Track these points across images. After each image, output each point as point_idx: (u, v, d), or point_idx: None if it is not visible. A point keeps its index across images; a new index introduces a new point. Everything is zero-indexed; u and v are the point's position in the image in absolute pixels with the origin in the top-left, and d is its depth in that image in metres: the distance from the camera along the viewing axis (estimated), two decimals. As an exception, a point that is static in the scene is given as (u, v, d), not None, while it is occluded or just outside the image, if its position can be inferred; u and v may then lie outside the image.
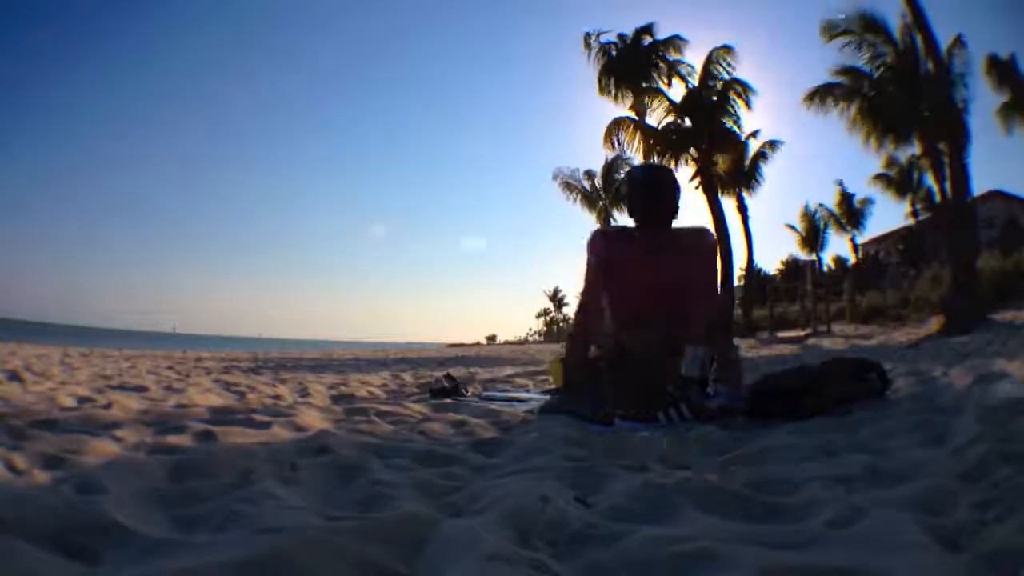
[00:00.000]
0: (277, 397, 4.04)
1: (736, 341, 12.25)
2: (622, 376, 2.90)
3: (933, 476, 1.44)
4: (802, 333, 13.95)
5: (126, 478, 1.53)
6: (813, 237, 28.09)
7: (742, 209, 18.10)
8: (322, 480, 1.61)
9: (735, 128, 13.07)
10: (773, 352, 9.56)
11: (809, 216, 28.07)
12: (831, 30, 11.07)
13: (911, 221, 26.85)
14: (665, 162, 13.33)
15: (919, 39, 10.31)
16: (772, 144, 18.24)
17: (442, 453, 2.01)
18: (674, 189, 2.85)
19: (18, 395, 3.38)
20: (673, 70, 13.84)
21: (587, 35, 15.21)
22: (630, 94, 14.44)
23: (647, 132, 14.08)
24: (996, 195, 26.56)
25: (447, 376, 4.66)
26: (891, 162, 24.01)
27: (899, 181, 25.08)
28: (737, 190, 17.85)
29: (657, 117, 13.89)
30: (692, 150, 12.92)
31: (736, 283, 16.15)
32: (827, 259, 31.50)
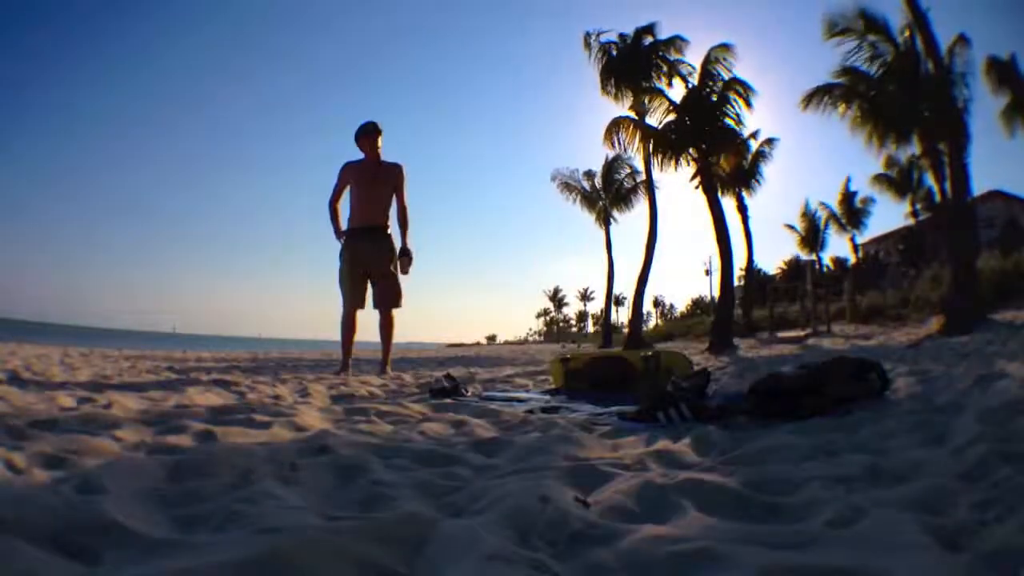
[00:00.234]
0: (277, 397, 4.04)
1: (736, 341, 12.20)
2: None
3: (933, 476, 1.44)
4: (802, 333, 13.95)
5: (126, 478, 1.52)
6: (813, 237, 28.08)
7: (742, 209, 18.12)
8: (322, 480, 1.61)
9: (735, 128, 13.05)
10: (773, 352, 9.56)
11: (809, 215, 28.08)
12: (832, 28, 11.07)
13: (911, 221, 26.87)
14: (665, 162, 13.33)
15: (919, 39, 10.33)
16: (770, 141, 18.25)
17: (442, 453, 2.01)
18: (377, 135, 6.03)
19: (18, 395, 3.38)
20: (674, 70, 13.81)
21: (587, 34, 15.19)
22: (630, 94, 14.44)
23: (647, 132, 14.07)
24: (996, 195, 26.56)
25: (447, 376, 4.66)
26: (891, 162, 24.02)
27: (899, 181, 25.09)
28: (737, 190, 17.86)
29: (657, 117, 13.89)
30: (692, 150, 12.89)
31: (736, 283, 16.11)
32: (827, 259, 31.56)
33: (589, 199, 21.05)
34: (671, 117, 13.44)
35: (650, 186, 15.61)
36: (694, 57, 13.77)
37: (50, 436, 2.08)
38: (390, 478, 1.60)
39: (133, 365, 7.93)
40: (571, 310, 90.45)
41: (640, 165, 16.91)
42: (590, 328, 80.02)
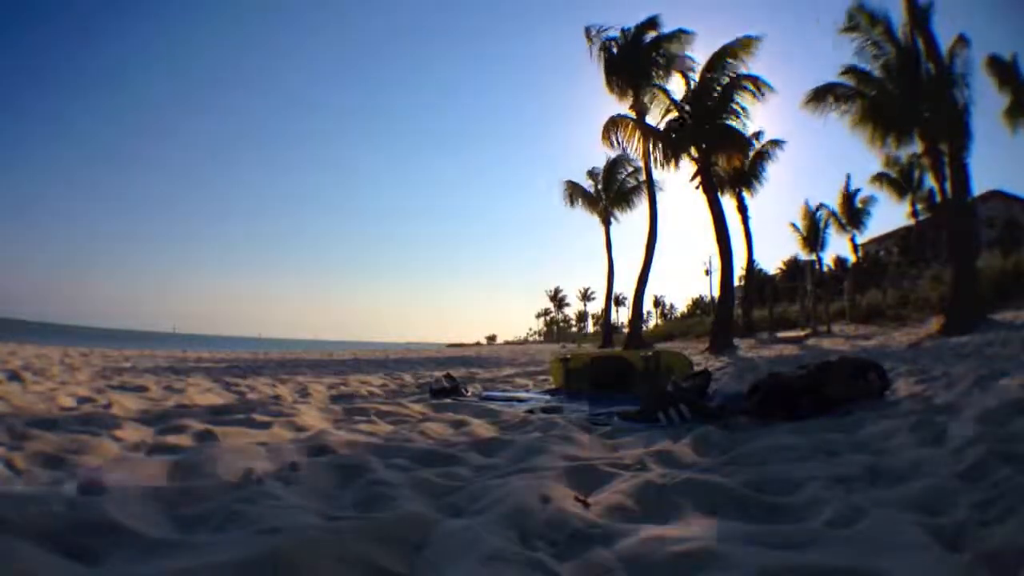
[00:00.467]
0: (277, 397, 4.04)
1: (736, 341, 12.18)
2: None
3: (933, 476, 1.44)
4: (802, 333, 13.95)
5: (126, 478, 1.53)
6: (813, 237, 28.08)
7: (742, 209, 18.10)
8: (322, 480, 1.61)
9: (739, 127, 12.98)
10: (773, 352, 9.56)
11: (810, 215, 28.08)
12: (850, 21, 11.07)
13: (911, 221, 26.86)
14: (665, 161, 13.29)
15: (919, 39, 10.33)
16: (775, 143, 18.22)
17: (442, 453, 2.02)
18: None
19: (18, 395, 3.38)
20: (676, 66, 13.74)
21: (588, 29, 15.09)
22: (631, 91, 14.36)
23: (646, 130, 14.02)
24: (996, 195, 26.56)
25: (447, 376, 4.66)
26: (892, 162, 24.01)
27: (899, 181, 25.08)
28: (737, 190, 17.84)
29: (659, 114, 13.81)
30: (693, 149, 12.86)
31: (736, 283, 16.09)
32: (827, 259, 31.53)
33: (590, 199, 21.04)
34: (672, 115, 13.41)
35: (650, 186, 15.57)
36: (700, 51, 13.69)
37: (50, 436, 2.08)
38: (390, 478, 1.60)
39: (133, 365, 7.94)
40: (571, 310, 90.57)
41: (641, 163, 16.86)
42: (590, 328, 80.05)
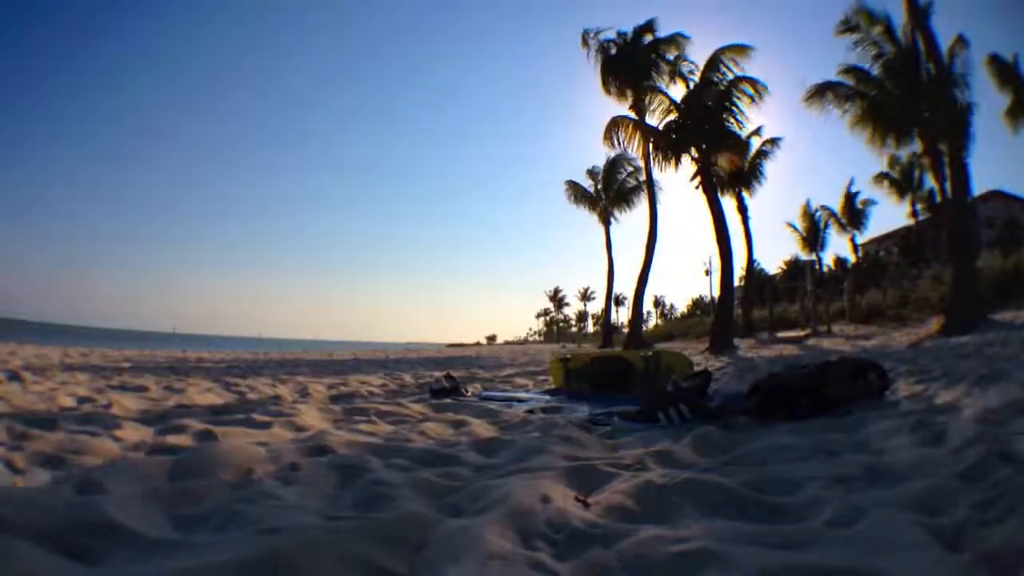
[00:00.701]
0: (277, 397, 4.04)
1: (736, 341, 12.17)
2: None
3: (933, 476, 1.44)
4: (802, 333, 13.94)
5: (126, 478, 1.53)
6: (813, 237, 28.09)
7: (742, 209, 18.10)
8: (322, 480, 1.61)
9: (737, 128, 12.99)
10: (773, 352, 9.56)
11: (810, 216, 28.09)
12: (846, 24, 11.09)
13: (911, 221, 26.86)
14: (665, 161, 13.30)
15: (919, 39, 10.33)
16: (773, 141, 18.23)
17: (442, 453, 2.02)
18: None
19: (18, 395, 3.38)
20: (674, 68, 13.77)
21: (585, 32, 15.14)
22: (630, 93, 14.39)
23: (647, 131, 14.04)
24: (996, 195, 26.56)
25: (447, 376, 4.67)
26: (892, 162, 24.02)
27: (900, 181, 25.09)
28: (737, 190, 17.84)
29: (658, 116, 13.84)
30: (692, 149, 12.87)
31: (736, 283, 16.09)
32: (827, 259, 31.52)
33: (590, 199, 21.04)
34: (672, 116, 13.42)
35: (650, 186, 15.58)
36: (697, 55, 13.71)
37: (50, 436, 2.08)
38: (390, 478, 1.60)
39: (133, 365, 7.94)
40: (571, 310, 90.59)
41: (641, 163, 16.86)
42: (590, 328, 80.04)
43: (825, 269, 30.62)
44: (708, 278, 33.03)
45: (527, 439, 2.26)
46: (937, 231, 21.20)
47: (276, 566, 0.94)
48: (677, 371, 4.24)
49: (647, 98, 14.11)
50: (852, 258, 29.30)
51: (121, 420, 2.57)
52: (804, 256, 29.10)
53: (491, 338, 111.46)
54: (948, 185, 9.89)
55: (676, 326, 29.32)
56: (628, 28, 14.84)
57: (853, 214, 28.22)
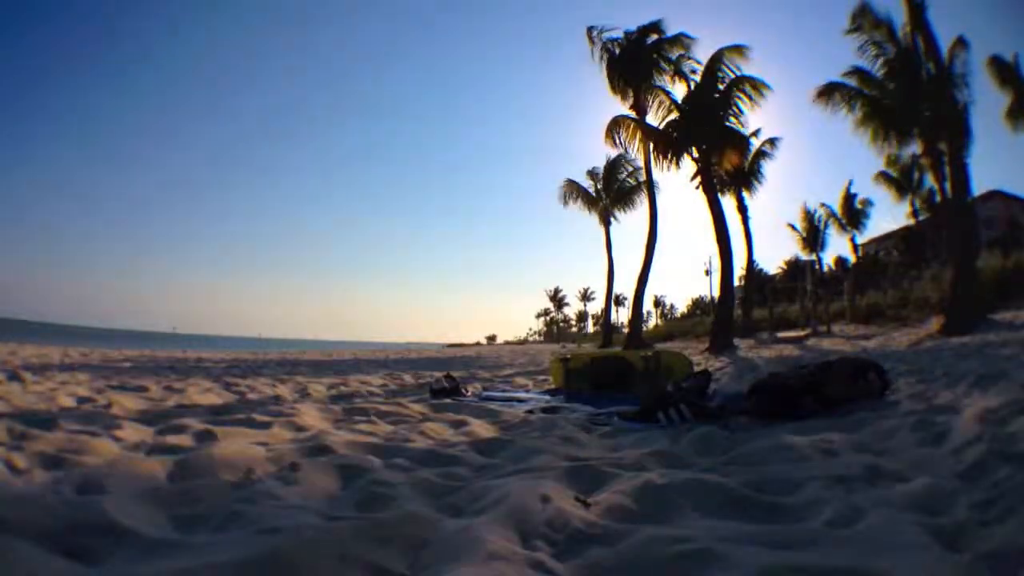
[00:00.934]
0: (277, 397, 4.04)
1: (736, 341, 12.15)
2: None
3: (933, 476, 1.44)
4: (802, 333, 13.93)
5: (126, 478, 1.53)
6: (813, 237, 28.10)
7: (742, 209, 18.08)
8: (322, 480, 1.61)
9: (738, 127, 12.98)
10: (773, 352, 9.56)
11: (809, 216, 28.10)
12: (853, 23, 11.12)
13: (911, 221, 26.87)
14: (665, 161, 13.31)
15: (919, 39, 10.33)
16: (772, 141, 18.23)
17: (442, 453, 2.02)
18: None
19: (18, 395, 3.38)
20: (678, 68, 13.76)
21: (590, 30, 15.11)
22: (632, 92, 14.39)
23: (647, 131, 14.04)
24: (996, 195, 26.57)
25: (447, 376, 4.66)
26: (893, 161, 24.00)
27: (900, 181, 25.10)
28: (737, 190, 17.84)
29: (660, 115, 13.84)
30: (693, 149, 12.87)
31: (736, 283, 16.08)
32: (827, 259, 31.53)
33: (590, 199, 21.04)
34: (673, 116, 13.42)
35: (650, 186, 15.56)
36: (702, 54, 13.71)
37: (50, 436, 2.08)
38: (390, 478, 1.60)
39: (133, 365, 7.94)
40: (571, 310, 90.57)
41: (642, 163, 16.87)
42: (590, 328, 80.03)
43: (825, 269, 30.62)
44: (708, 278, 33.03)
45: (527, 439, 2.26)
46: (937, 231, 21.19)
47: (276, 566, 0.94)
48: (677, 371, 4.24)
49: (648, 97, 14.12)
50: (852, 258, 29.29)
51: (121, 420, 2.57)
52: (804, 256, 29.09)
53: (491, 338, 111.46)
54: (948, 185, 9.88)
55: (676, 326, 29.31)
56: (633, 28, 14.84)
57: (852, 214, 28.20)
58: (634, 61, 14.32)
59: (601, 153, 19.47)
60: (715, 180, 13.28)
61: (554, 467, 1.72)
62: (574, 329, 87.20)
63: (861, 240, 29.34)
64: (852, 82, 11.72)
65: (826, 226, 28.52)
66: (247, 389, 4.55)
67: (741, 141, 13.19)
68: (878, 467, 1.59)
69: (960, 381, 3.11)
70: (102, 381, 4.84)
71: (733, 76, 12.86)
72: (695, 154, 12.93)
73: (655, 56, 14.18)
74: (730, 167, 13.72)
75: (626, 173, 20.58)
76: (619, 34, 14.88)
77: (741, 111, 12.80)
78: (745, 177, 17.51)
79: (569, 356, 5.21)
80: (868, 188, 27.11)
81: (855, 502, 1.27)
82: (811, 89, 11.97)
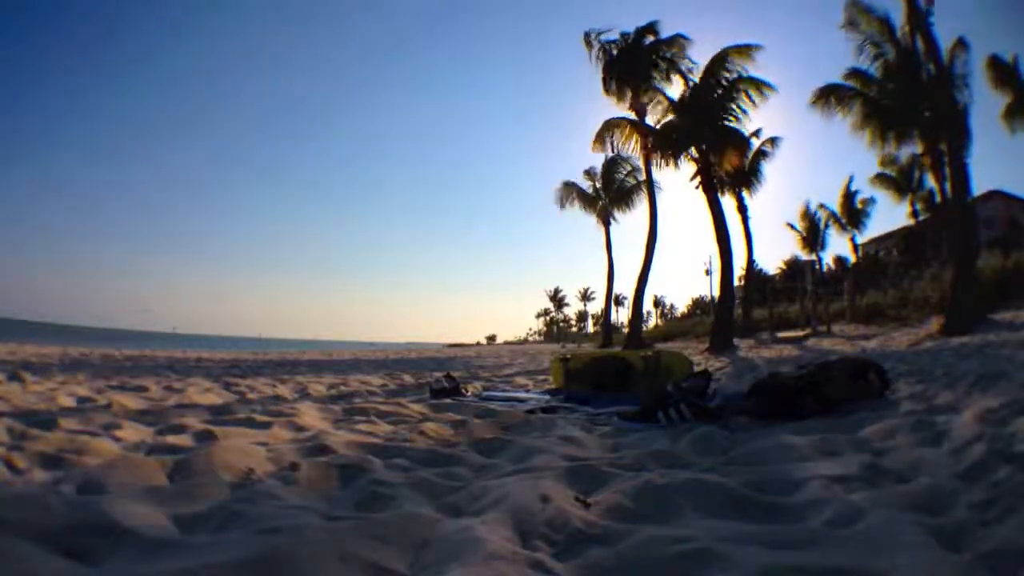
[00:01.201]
0: (277, 397, 4.04)
1: (736, 341, 12.15)
2: None
3: (933, 476, 1.44)
4: (802, 333, 13.92)
5: (126, 478, 1.53)
6: (813, 237, 28.10)
7: (742, 209, 18.09)
8: (322, 480, 1.61)
9: (738, 127, 12.99)
10: (773, 352, 9.56)
11: (809, 216, 28.11)
12: (849, 20, 11.13)
13: (911, 221, 26.88)
14: (664, 161, 13.32)
15: (919, 39, 10.33)
16: (772, 141, 18.24)
17: (442, 453, 2.02)
18: None
19: (18, 395, 3.38)
20: (675, 69, 13.78)
21: (587, 33, 15.15)
22: (630, 93, 14.40)
23: (646, 131, 14.05)
24: (996, 195, 26.58)
25: (447, 376, 4.66)
26: (892, 161, 24.01)
27: (900, 181, 25.10)
28: (737, 190, 17.84)
29: (658, 116, 13.85)
30: (692, 150, 12.87)
31: (736, 283, 16.08)
32: (827, 259, 31.55)
33: (589, 199, 21.04)
34: (671, 116, 13.42)
35: (650, 186, 15.58)
36: (701, 53, 13.73)
37: (50, 436, 2.08)
38: (390, 478, 1.60)
39: (134, 365, 7.94)
40: (571, 310, 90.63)
41: (641, 162, 16.88)
42: (590, 328, 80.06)
43: (825, 269, 30.62)
44: (708, 278, 33.04)
45: (527, 439, 2.26)
46: (937, 231, 21.19)
47: (276, 566, 0.94)
48: (677, 371, 4.24)
49: (647, 98, 14.12)
50: (852, 258, 29.29)
51: (121, 420, 2.57)
52: (804, 256, 29.10)
53: (491, 338, 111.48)
54: (948, 185, 9.88)
55: (676, 326, 29.31)
56: (630, 29, 14.86)
57: (852, 214, 28.20)
58: (632, 62, 14.33)
59: (602, 154, 19.49)
60: (715, 180, 13.27)
61: (554, 467, 1.72)
62: (574, 329, 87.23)
63: (861, 240, 29.35)
64: (851, 83, 11.72)
65: (826, 226, 28.53)
66: (247, 389, 4.55)
67: (741, 141, 13.20)
68: (878, 467, 1.59)
69: (960, 381, 3.11)
70: (102, 381, 4.84)
71: (735, 76, 12.85)
72: (695, 154, 12.92)
73: (653, 57, 14.19)
74: (730, 167, 13.71)
75: (624, 172, 20.58)
76: (615, 36, 14.91)
77: (743, 111, 12.79)
78: (745, 177, 17.50)
79: (569, 356, 5.21)
80: (866, 190, 27.03)
81: (855, 502, 1.27)
82: (812, 89, 11.97)
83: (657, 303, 79.69)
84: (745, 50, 12.78)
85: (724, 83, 12.95)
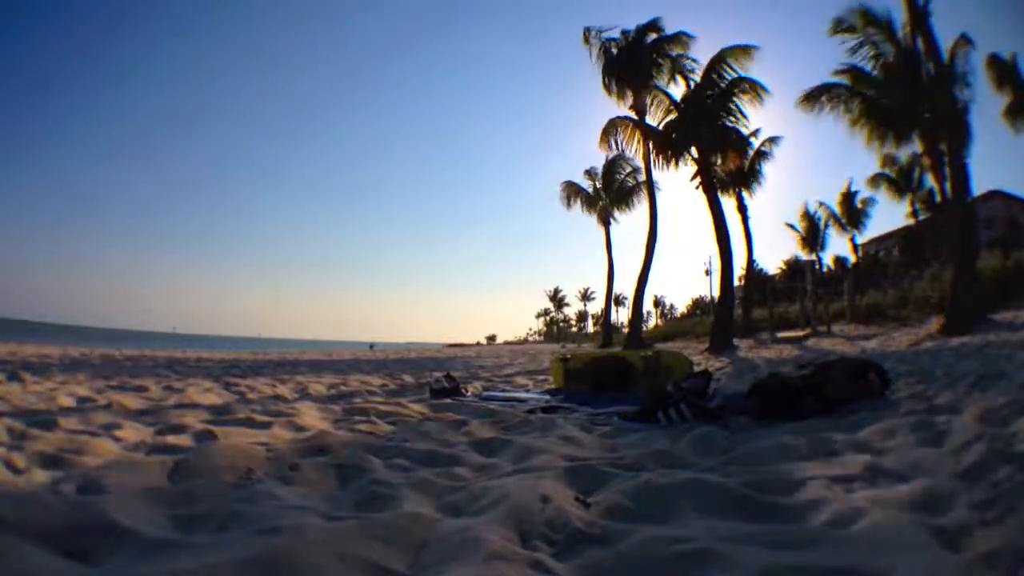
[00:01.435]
0: (277, 397, 4.04)
1: (736, 341, 12.15)
2: None
3: (933, 476, 1.44)
4: (802, 333, 13.92)
5: (126, 478, 1.53)
6: (813, 237, 28.11)
7: (742, 209, 18.08)
8: (322, 480, 1.61)
9: (738, 127, 12.98)
10: (773, 352, 9.56)
11: (809, 216, 28.12)
12: (838, 25, 11.11)
13: (911, 221, 26.88)
14: (665, 161, 13.32)
15: (919, 39, 10.33)
16: (772, 140, 18.24)
17: (442, 453, 2.02)
18: None
19: (18, 395, 3.38)
20: (677, 67, 13.75)
21: (587, 31, 15.10)
22: (631, 92, 14.39)
23: (647, 131, 14.04)
24: (996, 195, 26.58)
25: (447, 376, 4.66)
26: (891, 161, 24.01)
27: (899, 181, 25.11)
28: (737, 190, 17.84)
29: (659, 116, 13.83)
30: (693, 149, 12.87)
31: (736, 283, 16.08)
32: (827, 259, 31.55)
33: (589, 199, 21.05)
34: (672, 116, 13.41)
35: (650, 186, 15.58)
36: (701, 53, 13.68)
37: (50, 436, 2.08)
38: (390, 478, 1.60)
39: (134, 365, 7.94)
40: (571, 310, 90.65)
41: (641, 163, 16.89)
42: (590, 328, 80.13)
43: (825, 269, 30.62)
44: (708, 278, 33.05)
45: (527, 439, 2.26)
46: (937, 231, 21.19)
47: (276, 566, 0.94)
48: (677, 371, 4.24)
49: (648, 97, 14.10)
50: (852, 258, 29.29)
51: (121, 420, 2.57)
52: (804, 256, 29.10)
53: (491, 338, 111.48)
54: (948, 185, 9.88)
55: (676, 326, 29.31)
56: (631, 27, 14.81)
57: (852, 213, 28.20)
58: (633, 61, 14.30)
59: (601, 154, 19.50)
60: (715, 180, 13.27)
61: (554, 467, 1.72)
62: (574, 329, 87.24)
63: (861, 240, 29.35)
64: (845, 81, 11.67)
65: (826, 226, 28.53)
66: (247, 389, 4.55)
67: (741, 141, 13.20)
68: (878, 467, 1.59)
69: (960, 381, 3.11)
70: (102, 381, 4.84)
71: (734, 77, 12.84)
72: (695, 154, 12.92)
73: (654, 55, 14.16)
74: (730, 167, 13.72)
75: (624, 173, 20.58)
76: (616, 34, 14.86)
77: (742, 112, 12.78)
78: (745, 177, 17.51)
79: (569, 356, 5.21)
80: (866, 190, 27.04)
81: (855, 502, 1.27)
82: (805, 90, 11.93)
83: (657, 303, 79.72)
84: (744, 51, 12.77)
85: (723, 83, 12.93)
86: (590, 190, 21.53)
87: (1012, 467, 1.35)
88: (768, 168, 18.27)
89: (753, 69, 12.82)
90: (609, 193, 20.88)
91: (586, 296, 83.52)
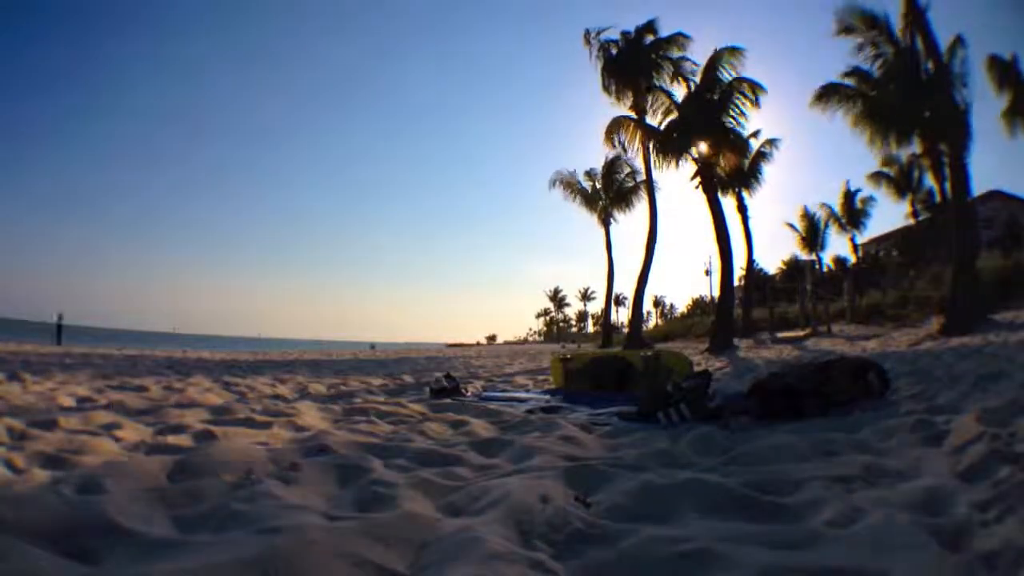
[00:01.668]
0: (277, 397, 4.04)
1: (736, 341, 12.15)
2: None
3: (933, 476, 1.44)
4: (802, 333, 13.93)
5: (126, 478, 1.53)
6: (813, 237, 28.10)
7: (742, 209, 18.08)
8: (322, 480, 1.61)
9: (738, 127, 13.00)
10: (773, 352, 9.56)
11: (809, 216, 28.11)
12: (840, 26, 11.15)
13: (911, 221, 26.87)
14: (665, 161, 13.33)
15: (919, 39, 10.33)
16: (771, 142, 18.25)
17: (442, 453, 2.02)
18: None
19: (18, 395, 3.38)
20: (676, 68, 13.77)
21: (587, 32, 15.13)
22: (630, 93, 14.40)
23: (647, 131, 14.05)
24: (996, 195, 26.55)
25: (447, 376, 4.66)
26: (891, 161, 24.00)
27: (899, 181, 25.09)
28: (737, 190, 17.84)
29: (659, 116, 13.85)
30: (693, 150, 12.88)
31: (736, 283, 16.08)
32: (827, 259, 31.56)
33: (589, 199, 21.05)
34: (672, 116, 13.42)
35: (650, 186, 15.59)
36: (698, 54, 13.71)
37: (50, 436, 2.08)
38: (390, 478, 1.60)
39: (133, 365, 7.94)
40: (571, 310, 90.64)
41: (640, 165, 16.92)
42: (590, 328, 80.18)
43: (825, 269, 30.62)
44: (708, 278, 33.05)
45: (527, 439, 2.26)
46: (937, 231, 21.19)
47: (276, 566, 0.94)
48: (677, 371, 4.24)
49: (648, 98, 14.12)
50: (852, 258, 29.28)
51: (121, 420, 2.57)
52: (804, 256, 29.10)
53: (491, 338, 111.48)
54: (948, 185, 9.89)
55: (676, 326, 29.32)
56: (630, 28, 14.85)
57: (852, 213, 28.18)
58: (633, 61, 14.33)
59: (602, 154, 19.52)
60: (715, 180, 13.27)
61: (554, 467, 1.72)
62: (574, 329, 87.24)
63: (861, 240, 29.34)
64: (850, 82, 11.72)
65: (826, 226, 28.51)
66: (247, 389, 4.55)
67: (741, 142, 13.21)
68: (878, 467, 1.59)
69: (960, 381, 3.11)
70: (102, 381, 4.84)
71: (732, 77, 12.87)
72: (695, 154, 12.92)
73: (654, 56, 14.19)
74: (729, 168, 13.73)
75: (624, 173, 20.59)
76: (615, 35, 14.90)
77: (741, 112, 12.80)
78: (745, 177, 17.50)
79: (569, 356, 5.21)
80: (866, 188, 27.04)
81: (855, 502, 1.27)
82: (812, 88, 11.96)
83: (657, 303, 79.72)
84: (734, 52, 12.86)
85: (722, 83, 12.96)
86: (590, 190, 21.53)
87: (1012, 467, 1.35)
88: (768, 168, 18.26)
89: (751, 69, 12.86)
90: (609, 193, 20.88)
91: (586, 296, 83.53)
